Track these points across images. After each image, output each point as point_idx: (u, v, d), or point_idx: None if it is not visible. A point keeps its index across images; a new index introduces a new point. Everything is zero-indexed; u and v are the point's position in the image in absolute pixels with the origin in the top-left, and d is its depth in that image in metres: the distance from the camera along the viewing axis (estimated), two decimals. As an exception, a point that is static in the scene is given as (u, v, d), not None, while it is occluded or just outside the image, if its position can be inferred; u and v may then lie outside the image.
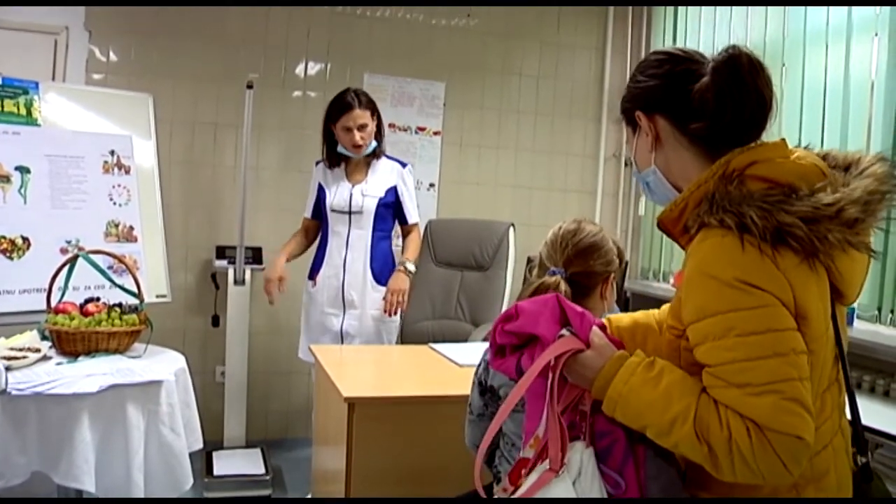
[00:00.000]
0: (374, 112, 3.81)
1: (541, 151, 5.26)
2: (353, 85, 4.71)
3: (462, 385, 2.84)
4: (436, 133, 5.05)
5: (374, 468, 2.59)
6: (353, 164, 3.89)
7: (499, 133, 5.18)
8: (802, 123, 3.84)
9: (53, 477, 2.59)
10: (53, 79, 4.33)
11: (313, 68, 4.82)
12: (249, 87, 4.25)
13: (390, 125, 4.88)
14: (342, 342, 3.84)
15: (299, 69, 4.80)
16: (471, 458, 2.68)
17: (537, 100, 5.24)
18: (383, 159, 3.91)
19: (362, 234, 3.83)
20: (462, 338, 4.09)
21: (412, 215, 3.94)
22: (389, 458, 2.62)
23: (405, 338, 4.49)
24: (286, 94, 4.74)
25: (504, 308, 4.31)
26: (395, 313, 3.83)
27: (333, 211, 3.86)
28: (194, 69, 4.60)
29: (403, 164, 3.94)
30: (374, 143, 3.82)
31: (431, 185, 5.06)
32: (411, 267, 3.84)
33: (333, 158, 3.87)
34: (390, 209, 3.88)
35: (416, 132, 4.99)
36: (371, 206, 3.80)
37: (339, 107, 3.75)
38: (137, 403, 2.72)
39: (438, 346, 3.38)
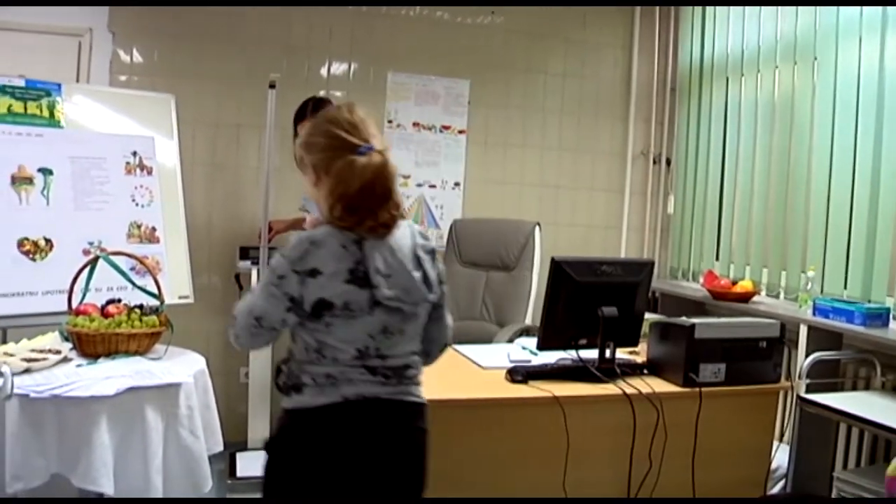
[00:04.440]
0: None
1: (567, 150, 5.19)
2: (378, 84, 4.76)
3: (485, 388, 2.80)
4: (461, 132, 4.99)
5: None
6: None
7: (524, 131, 5.11)
8: (835, 118, 3.75)
9: (72, 479, 2.57)
10: (78, 80, 4.32)
11: (337, 68, 4.79)
12: (272, 86, 4.21)
13: (414, 124, 4.87)
14: None
15: (322, 69, 4.77)
16: (493, 466, 2.64)
17: (563, 98, 5.17)
18: None
19: None
20: (487, 339, 4.03)
21: None
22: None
23: (430, 338, 4.45)
24: (309, 94, 4.67)
25: (531, 309, 4.24)
26: None
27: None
28: (217, 70, 4.59)
29: None
30: None
31: (457, 184, 5.00)
32: None
33: None
34: None
35: (441, 131, 4.94)
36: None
37: (297, 115, 4.04)
38: (156, 406, 2.70)
39: (461, 348, 3.32)
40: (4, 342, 3.37)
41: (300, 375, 1.97)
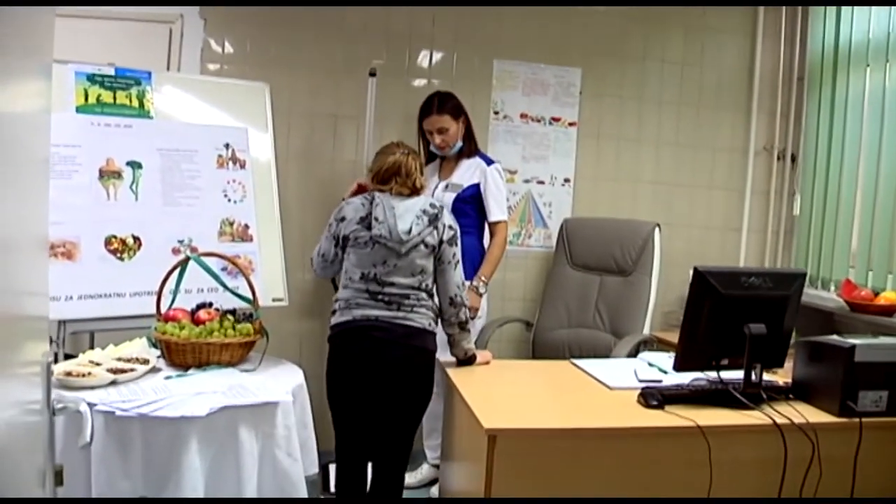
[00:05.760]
0: (459, 116, 3.90)
1: (685, 145, 4.81)
2: (483, 73, 4.50)
3: (617, 415, 2.48)
4: (571, 124, 4.65)
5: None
6: (446, 162, 4.01)
7: (639, 125, 4.75)
8: None
9: (159, 505, 2.34)
10: (168, 69, 4.13)
11: (438, 56, 4.50)
12: (372, 74, 4.00)
13: (522, 115, 4.56)
14: None
15: (423, 57, 4.49)
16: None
17: (681, 89, 4.78)
18: (475, 158, 3.96)
19: None
20: (602, 350, 3.72)
21: (493, 212, 3.90)
22: (532, 494, 2.30)
23: (537, 347, 4.15)
24: (409, 83, 4.44)
25: (649, 317, 3.89)
26: None
27: None
28: (313, 58, 4.35)
29: (489, 163, 3.94)
30: (459, 144, 3.91)
31: (566, 180, 4.66)
32: (482, 289, 3.77)
33: (427, 155, 4.00)
34: (471, 204, 3.90)
35: (550, 123, 4.60)
36: (448, 200, 3.84)
37: (422, 110, 3.92)
38: (251, 426, 2.46)
39: (582, 363, 3.02)
40: (92, 347, 3.19)
41: (335, 304, 2.95)
